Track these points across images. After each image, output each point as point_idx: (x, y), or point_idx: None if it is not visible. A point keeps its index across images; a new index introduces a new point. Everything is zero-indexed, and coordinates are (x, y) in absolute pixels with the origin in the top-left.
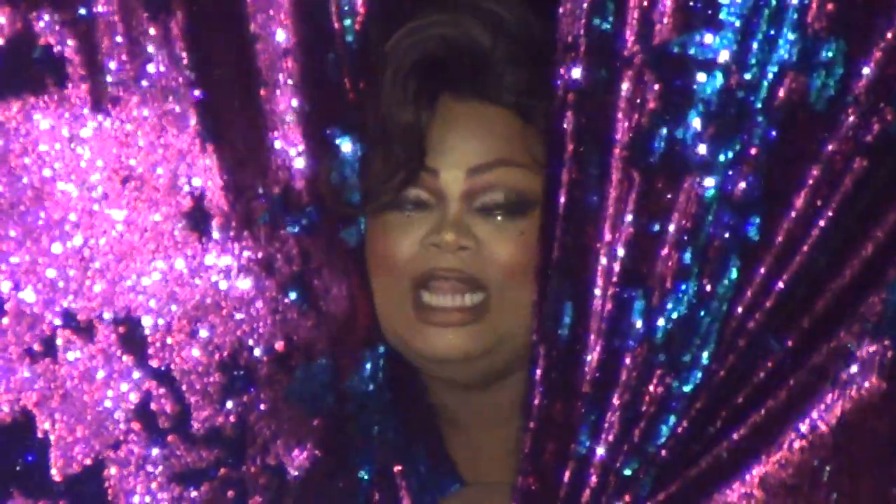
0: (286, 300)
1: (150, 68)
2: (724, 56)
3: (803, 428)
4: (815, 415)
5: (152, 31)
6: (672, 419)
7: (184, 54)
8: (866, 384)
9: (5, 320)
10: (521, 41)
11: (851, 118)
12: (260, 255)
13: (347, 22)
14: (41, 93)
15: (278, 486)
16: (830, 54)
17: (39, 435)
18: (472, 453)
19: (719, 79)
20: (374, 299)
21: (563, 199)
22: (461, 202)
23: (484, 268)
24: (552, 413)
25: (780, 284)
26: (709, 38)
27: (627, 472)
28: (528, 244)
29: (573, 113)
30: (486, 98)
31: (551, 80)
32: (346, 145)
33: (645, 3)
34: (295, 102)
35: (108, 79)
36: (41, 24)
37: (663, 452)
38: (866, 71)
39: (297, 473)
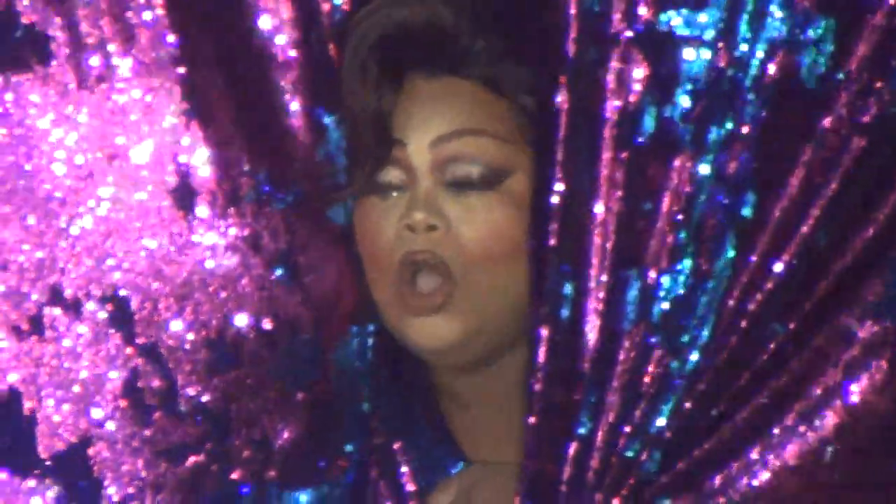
0: (272, 277)
1: (135, 45)
2: (711, 33)
3: (806, 409)
4: (818, 396)
5: (137, 8)
6: (672, 400)
7: (168, 31)
8: (869, 365)
9: None
10: (487, 13)
11: (844, 96)
12: (246, 231)
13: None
14: (26, 71)
15: (262, 459)
16: (819, 31)
17: (26, 413)
18: (476, 432)
19: (707, 56)
20: (369, 286)
21: (555, 180)
22: (431, 176)
23: (451, 251)
24: (554, 395)
25: (779, 265)
26: (696, 16)
27: (630, 454)
28: (496, 226)
29: (564, 93)
30: (454, 72)
31: (525, 53)
32: (332, 125)
33: None
34: (283, 79)
35: (93, 56)
36: (24, 1)
37: (666, 434)
38: (857, 48)
39: (281, 446)
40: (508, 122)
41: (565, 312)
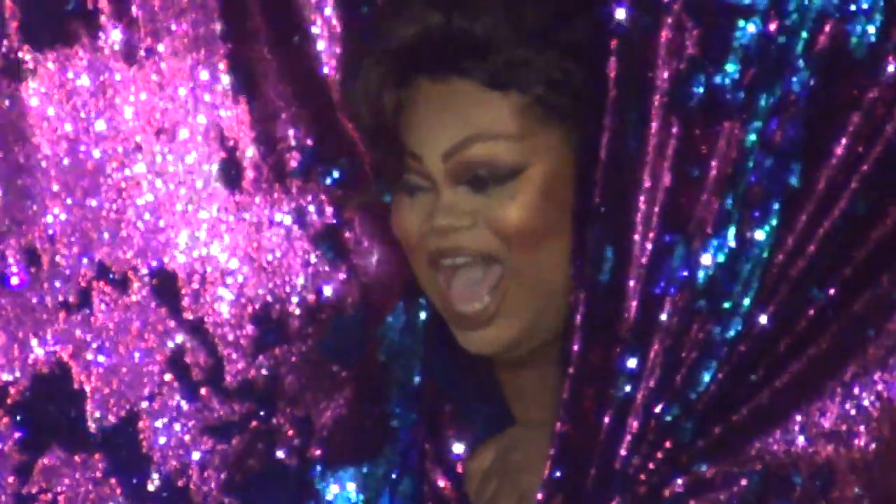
0: (317, 253)
1: (183, 19)
2: (762, 3)
3: (846, 377)
4: (857, 364)
5: None
6: (713, 366)
7: (215, 4)
8: None
9: (42, 273)
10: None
11: (892, 66)
12: (292, 207)
13: None
14: (75, 44)
15: (305, 437)
16: (870, 2)
17: (76, 387)
18: (530, 396)
19: (758, 25)
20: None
21: (603, 145)
22: (449, 182)
23: (488, 240)
24: (591, 358)
25: (821, 232)
26: None
27: (668, 419)
28: (522, 206)
29: (616, 59)
30: (461, 75)
31: (549, 38)
32: None
33: None
34: (330, 54)
35: (141, 30)
36: None
37: (704, 399)
38: None
39: (323, 424)
40: (519, 117)
41: (606, 276)
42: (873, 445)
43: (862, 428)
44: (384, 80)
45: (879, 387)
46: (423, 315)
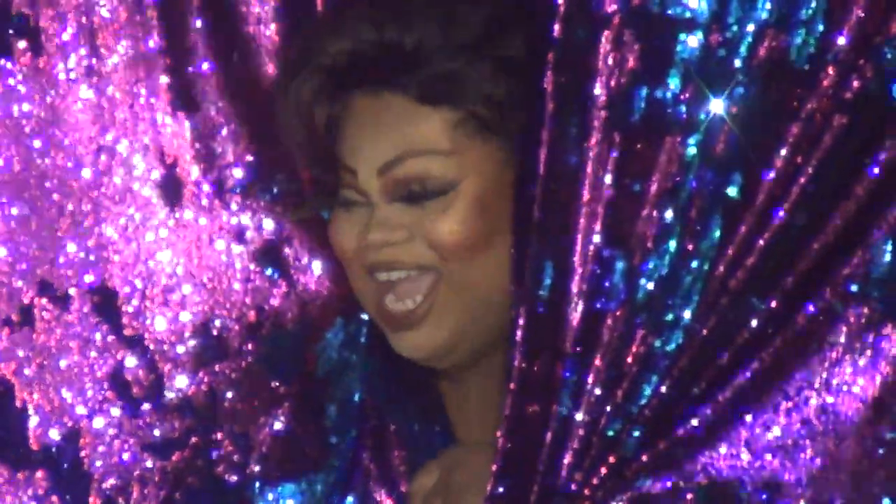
0: (257, 269)
1: (122, 36)
2: (703, 15)
3: (790, 390)
4: (800, 376)
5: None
6: (655, 379)
7: (155, 22)
8: (852, 347)
9: None
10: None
11: (831, 75)
12: (232, 223)
13: None
14: (15, 62)
15: (244, 453)
16: (810, 12)
17: (18, 404)
18: (473, 412)
19: (699, 38)
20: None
21: (542, 159)
22: (383, 197)
23: (423, 253)
24: (533, 374)
25: (762, 243)
26: None
27: (611, 433)
28: (457, 218)
29: (553, 72)
30: (396, 90)
31: (486, 50)
32: None
33: None
34: (270, 69)
35: (81, 48)
36: None
37: (647, 413)
38: (846, 28)
39: (262, 440)
40: (452, 132)
41: (545, 291)
42: (819, 459)
43: (807, 442)
44: (316, 96)
45: (824, 400)
46: (363, 331)
